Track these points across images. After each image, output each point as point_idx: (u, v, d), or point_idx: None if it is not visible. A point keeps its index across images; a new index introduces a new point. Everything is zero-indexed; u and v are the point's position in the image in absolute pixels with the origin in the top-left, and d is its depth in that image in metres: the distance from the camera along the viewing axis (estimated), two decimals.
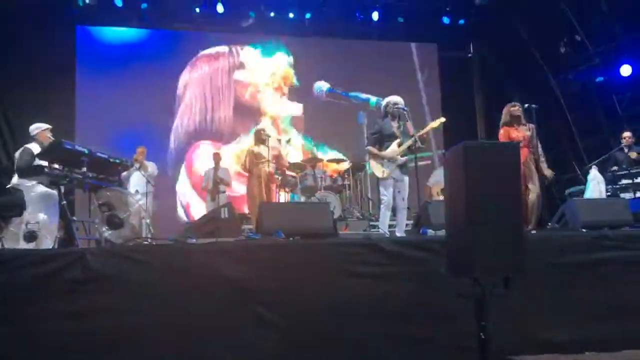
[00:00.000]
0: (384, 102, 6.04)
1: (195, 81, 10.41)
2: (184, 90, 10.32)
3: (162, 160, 9.19)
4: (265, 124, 9.83)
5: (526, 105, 5.86)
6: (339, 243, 3.79)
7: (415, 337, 3.38)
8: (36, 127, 5.57)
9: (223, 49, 10.64)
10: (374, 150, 5.83)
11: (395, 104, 5.87)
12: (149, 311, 3.19)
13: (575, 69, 9.54)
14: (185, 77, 10.34)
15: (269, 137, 7.32)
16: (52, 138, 5.36)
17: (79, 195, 5.83)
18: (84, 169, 4.71)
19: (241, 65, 10.66)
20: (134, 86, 9.80)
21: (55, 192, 4.97)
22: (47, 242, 4.92)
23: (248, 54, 10.75)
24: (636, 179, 7.16)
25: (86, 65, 9.73)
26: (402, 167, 5.76)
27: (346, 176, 8.60)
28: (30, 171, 5.06)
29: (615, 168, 7.57)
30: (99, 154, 4.91)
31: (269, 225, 4.02)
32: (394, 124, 5.87)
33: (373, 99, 10.68)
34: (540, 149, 5.79)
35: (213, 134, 10.32)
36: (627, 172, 7.30)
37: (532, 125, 5.81)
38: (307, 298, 3.37)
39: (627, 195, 7.11)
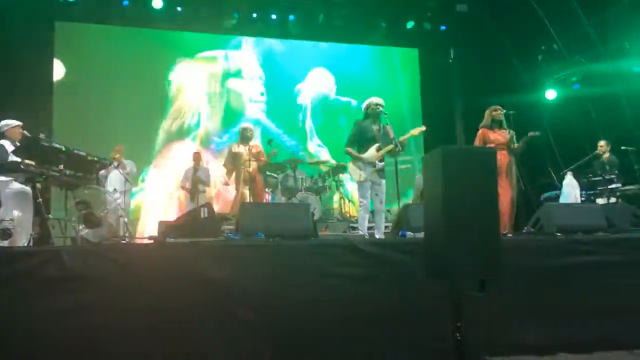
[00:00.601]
0: (365, 103, 6.02)
1: (186, 83, 10.39)
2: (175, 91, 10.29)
3: (140, 159, 9.07)
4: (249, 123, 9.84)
5: (504, 111, 5.98)
6: (318, 244, 3.81)
7: (394, 338, 3.40)
8: (5, 124, 5.46)
9: (216, 53, 10.65)
10: (354, 152, 5.84)
11: (377, 105, 5.87)
12: (126, 310, 3.15)
13: (552, 77, 9.75)
14: (176, 77, 10.30)
15: (252, 136, 7.34)
16: (27, 134, 5.26)
17: (55, 193, 5.74)
18: (61, 166, 4.63)
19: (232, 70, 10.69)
20: (114, 84, 9.70)
21: (29, 189, 4.89)
22: (22, 240, 4.82)
23: (238, 57, 10.76)
24: (610, 185, 7.34)
25: (65, 62, 9.59)
26: (380, 170, 5.79)
27: (327, 178, 8.63)
28: (4, 168, 4.96)
29: (589, 175, 7.75)
30: (76, 151, 4.83)
31: (248, 225, 4.02)
32: (374, 127, 5.88)
33: (354, 102, 10.78)
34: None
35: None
36: (602, 178, 7.47)
37: (512, 132, 5.93)
38: (286, 298, 3.38)
39: (602, 201, 7.28)
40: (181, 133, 10.27)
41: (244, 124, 7.92)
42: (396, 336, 3.41)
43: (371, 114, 5.90)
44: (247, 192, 7.04)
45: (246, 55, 10.84)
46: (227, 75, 10.69)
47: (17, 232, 4.77)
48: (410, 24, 10.81)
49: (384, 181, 5.81)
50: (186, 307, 3.24)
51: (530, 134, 5.93)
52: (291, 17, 10.39)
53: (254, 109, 10.72)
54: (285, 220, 4.16)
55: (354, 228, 7.36)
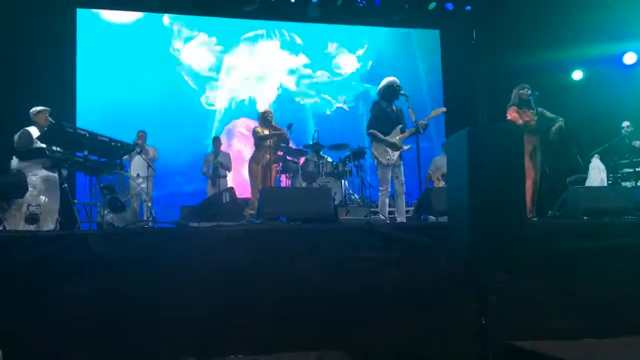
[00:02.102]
0: (382, 84, 5.89)
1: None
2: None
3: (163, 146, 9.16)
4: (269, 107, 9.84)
5: (529, 92, 5.86)
6: (339, 228, 3.81)
7: (417, 323, 3.39)
8: (35, 110, 5.57)
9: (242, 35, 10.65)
10: (378, 134, 5.70)
11: (395, 85, 5.76)
12: (151, 293, 3.19)
13: (578, 57, 9.49)
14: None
15: (272, 119, 7.32)
16: (52, 120, 5.34)
17: (80, 178, 5.82)
18: (86, 152, 4.69)
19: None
20: (136, 70, 9.77)
21: (56, 175, 4.97)
22: (49, 224, 4.93)
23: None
24: (637, 167, 7.17)
25: (88, 49, 9.67)
26: (401, 153, 5.72)
27: (347, 162, 8.59)
28: (30, 153, 5.05)
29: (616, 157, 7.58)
30: (100, 137, 4.89)
31: (270, 209, 4.03)
32: (394, 108, 5.80)
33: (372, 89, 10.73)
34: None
35: None
36: (629, 160, 7.30)
37: (540, 110, 5.81)
38: (307, 282, 3.38)
39: (629, 184, 7.12)
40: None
41: (264, 108, 7.89)
42: (419, 321, 3.39)
43: (389, 95, 5.80)
44: (260, 175, 7.07)
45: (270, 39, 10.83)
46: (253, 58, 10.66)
47: (43, 217, 4.88)
48: (432, 5, 10.60)
49: (402, 163, 5.73)
50: (208, 291, 3.27)
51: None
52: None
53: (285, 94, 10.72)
54: (306, 204, 4.16)
55: (374, 213, 7.33)
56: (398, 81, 5.82)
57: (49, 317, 3.07)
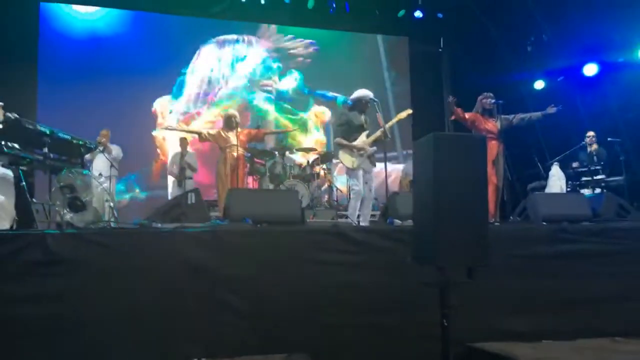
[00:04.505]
0: (354, 95, 6.01)
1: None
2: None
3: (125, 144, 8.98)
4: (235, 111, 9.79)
5: (493, 100, 6.01)
6: (306, 230, 3.79)
7: (381, 325, 3.41)
8: None
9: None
10: (344, 141, 5.85)
11: (366, 98, 5.88)
12: (111, 296, 3.11)
13: (541, 68, 9.78)
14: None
15: (238, 123, 7.25)
16: (10, 115, 5.15)
17: (38, 176, 5.65)
18: (45, 150, 4.55)
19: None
20: (99, 67, 9.55)
21: (10, 172, 4.79)
22: (4, 224, 4.74)
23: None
24: (596, 176, 7.42)
25: (49, 44, 9.42)
26: (370, 157, 5.82)
27: (315, 166, 8.61)
28: None
29: (575, 165, 7.83)
30: (61, 135, 4.75)
31: (236, 211, 3.98)
32: (362, 116, 5.92)
33: (340, 97, 10.81)
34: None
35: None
36: (587, 169, 7.56)
37: (504, 117, 5.96)
38: (273, 285, 3.36)
39: (587, 192, 7.37)
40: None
41: (230, 111, 7.82)
42: (383, 323, 3.42)
43: (359, 105, 5.91)
44: (229, 175, 7.02)
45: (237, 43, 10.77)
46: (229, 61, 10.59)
47: None
48: (401, 12, 10.76)
49: (373, 169, 5.85)
50: (172, 293, 3.21)
51: (551, 109, 6.01)
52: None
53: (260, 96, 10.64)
54: (273, 206, 4.13)
55: (341, 216, 7.37)
56: (370, 96, 5.90)
57: (6, 316, 2.96)
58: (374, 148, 5.83)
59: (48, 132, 4.56)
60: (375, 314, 3.42)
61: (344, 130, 5.91)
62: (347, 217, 6.04)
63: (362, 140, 5.78)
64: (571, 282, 3.80)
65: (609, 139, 7.71)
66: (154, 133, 10.05)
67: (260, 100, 10.79)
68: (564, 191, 7.43)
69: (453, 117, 6.20)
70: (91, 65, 9.50)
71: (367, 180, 5.82)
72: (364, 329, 3.39)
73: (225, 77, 10.67)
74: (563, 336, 3.60)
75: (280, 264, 3.41)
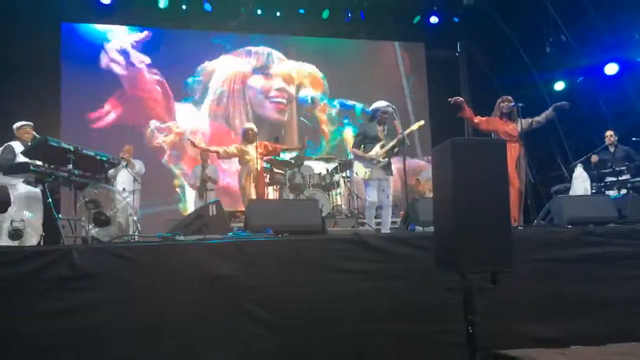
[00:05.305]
0: (372, 107, 6.14)
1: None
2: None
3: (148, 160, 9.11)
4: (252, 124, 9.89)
5: (512, 103, 5.95)
6: (327, 239, 3.79)
7: (405, 333, 3.38)
8: (17, 125, 5.53)
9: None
10: (358, 151, 6.00)
11: (385, 112, 5.96)
12: (137, 309, 3.16)
13: (560, 69, 9.65)
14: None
15: (257, 135, 7.33)
16: (36, 135, 5.29)
17: (64, 193, 5.77)
18: (70, 166, 4.64)
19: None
20: (121, 85, 9.74)
21: (38, 190, 4.91)
22: (32, 240, 4.87)
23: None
24: (620, 176, 7.27)
25: (72, 63, 9.64)
26: (386, 167, 5.88)
27: (334, 174, 8.62)
28: (14, 168, 4.99)
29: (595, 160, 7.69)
30: (85, 151, 4.84)
31: (257, 222, 4.00)
32: (379, 128, 5.99)
33: (358, 106, 10.83)
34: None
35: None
36: (612, 169, 7.41)
37: (524, 120, 5.89)
38: (295, 294, 3.36)
39: (612, 193, 7.22)
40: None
41: (247, 125, 7.88)
42: (407, 330, 3.39)
43: (376, 116, 5.99)
44: (252, 185, 7.11)
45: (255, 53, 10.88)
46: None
47: (27, 233, 4.82)
48: (416, 18, 10.74)
49: (391, 177, 5.91)
50: (195, 304, 3.24)
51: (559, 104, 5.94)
52: (301, 10, 10.34)
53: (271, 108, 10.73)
54: (293, 216, 4.15)
55: (362, 224, 7.35)
56: (385, 107, 5.94)
57: (31, 333, 3.02)
58: (386, 159, 5.88)
59: (72, 149, 4.65)
60: (399, 321, 3.39)
61: (359, 140, 6.05)
62: (365, 224, 6.10)
63: (375, 151, 5.85)
64: (599, 285, 3.72)
65: (633, 138, 7.56)
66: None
67: (276, 111, 10.85)
68: (589, 192, 7.29)
69: (460, 114, 6.16)
70: (113, 82, 9.71)
71: (383, 187, 5.88)
72: (387, 337, 3.37)
73: (242, 90, 10.77)
74: (592, 341, 3.52)
75: (302, 273, 3.42)
